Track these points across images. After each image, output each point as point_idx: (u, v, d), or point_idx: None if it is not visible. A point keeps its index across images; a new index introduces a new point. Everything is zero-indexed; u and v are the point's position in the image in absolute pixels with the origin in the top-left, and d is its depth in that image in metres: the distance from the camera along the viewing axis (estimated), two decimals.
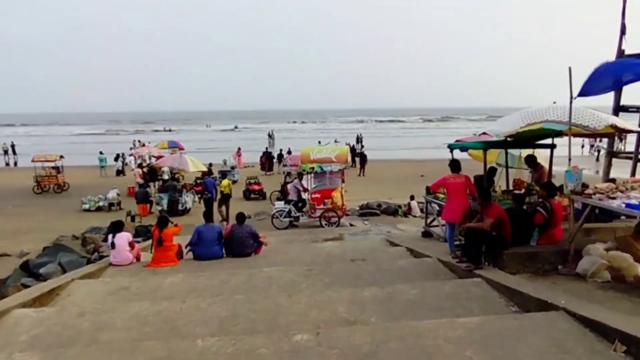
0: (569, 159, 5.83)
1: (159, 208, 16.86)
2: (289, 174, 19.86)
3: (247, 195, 19.79)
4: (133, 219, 15.31)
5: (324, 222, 12.55)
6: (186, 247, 8.10)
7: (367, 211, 14.45)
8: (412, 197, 14.82)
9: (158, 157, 21.36)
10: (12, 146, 40.40)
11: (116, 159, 29.53)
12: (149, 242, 8.54)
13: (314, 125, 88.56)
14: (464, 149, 9.17)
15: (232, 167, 25.24)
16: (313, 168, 12.70)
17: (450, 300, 4.99)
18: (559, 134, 6.93)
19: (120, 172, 28.31)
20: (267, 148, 33.25)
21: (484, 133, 7.03)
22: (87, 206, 18.00)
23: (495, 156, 10.07)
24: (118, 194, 18.54)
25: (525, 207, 6.64)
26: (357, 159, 27.38)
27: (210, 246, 7.86)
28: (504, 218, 5.99)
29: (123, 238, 7.88)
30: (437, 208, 8.79)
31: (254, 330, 4.37)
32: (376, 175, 25.68)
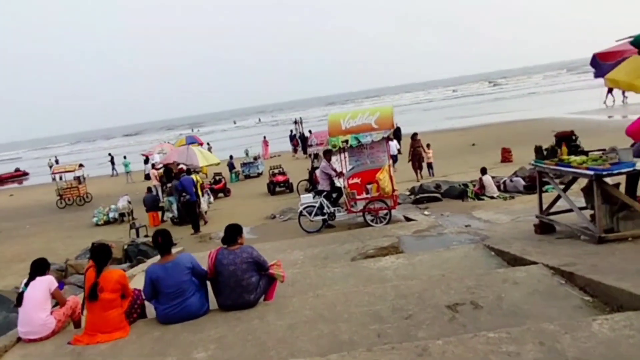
0: None
1: (170, 215, 13.11)
2: (316, 156, 14.97)
3: (272, 188, 15.57)
4: (138, 233, 11.67)
5: (369, 218, 8.27)
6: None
7: (423, 196, 9.82)
8: (483, 171, 10.10)
9: None
10: (57, 161, 39.42)
11: (146, 162, 26.76)
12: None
13: (348, 106, 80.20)
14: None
15: (255, 158, 21.24)
16: (346, 141, 8.11)
17: None
18: None
19: (148, 176, 25.33)
20: (292, 131, 29.14)
21: None
22: (95, 220, 14.63)
23: None
24: (129, 202, 15.01)
25: None
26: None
27: (177, 300, 3.83)
28: None
29: (39, 286, 4.05)
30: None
31: None
32: None
